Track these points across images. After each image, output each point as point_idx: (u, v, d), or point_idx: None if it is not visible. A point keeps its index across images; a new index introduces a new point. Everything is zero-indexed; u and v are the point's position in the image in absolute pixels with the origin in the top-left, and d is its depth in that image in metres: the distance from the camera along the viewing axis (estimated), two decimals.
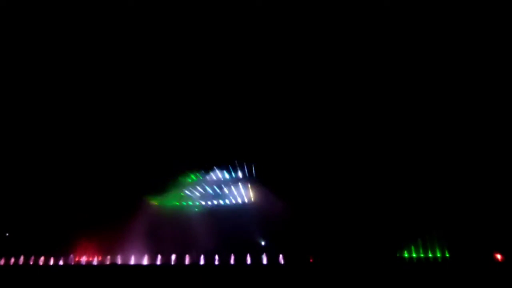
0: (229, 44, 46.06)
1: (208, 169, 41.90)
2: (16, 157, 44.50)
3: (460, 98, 40.29)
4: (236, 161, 41.42)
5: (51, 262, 36.81)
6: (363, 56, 44.32)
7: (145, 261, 35.27)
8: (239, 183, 40.85)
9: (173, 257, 35.19)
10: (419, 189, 37.75)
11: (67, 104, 46.09)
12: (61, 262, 36.74)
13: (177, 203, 41.93)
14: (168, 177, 40.54)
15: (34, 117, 45.83)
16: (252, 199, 39.58)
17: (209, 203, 41.64)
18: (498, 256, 31.52)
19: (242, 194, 41.10)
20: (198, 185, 42.04)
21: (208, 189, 41.75)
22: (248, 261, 33.86)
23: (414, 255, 34.91)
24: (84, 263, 36.03)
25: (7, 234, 41.75)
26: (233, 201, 41.36)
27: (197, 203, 41.49)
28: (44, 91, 45.82)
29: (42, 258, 37.09)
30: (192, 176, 42.46)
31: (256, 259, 33.78)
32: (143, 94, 46.50)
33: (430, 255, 34.72)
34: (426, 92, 42.45)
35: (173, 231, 37.07)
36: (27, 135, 45.14)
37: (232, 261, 33.99)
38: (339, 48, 44.53)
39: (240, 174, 41.14)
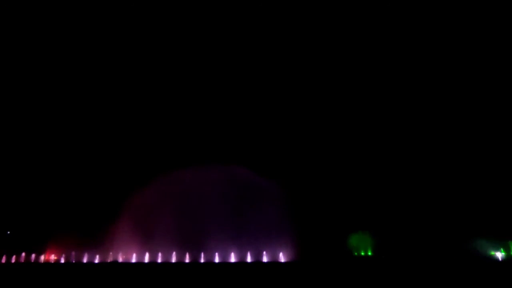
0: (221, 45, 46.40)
1: (208, 168, 41.84)
2: (15, 157, 44.67)
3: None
4: (237, 161, 41.42)
5: (52, 260, 36.98)
6: (362, 56, 44.44)
7: (146, 259, 35.38)
8: (239, 183, 40.82)
9: (174, 255, 35.31)
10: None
11: (59, 105, 46.50)
12: (62, 260, 36.90)
13: None
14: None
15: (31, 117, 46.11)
16: (253, 199, 39.57)
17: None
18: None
19: (242, 194, 41.01)
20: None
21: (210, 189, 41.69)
22: (249, 259, 34.06)
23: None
24: (85, 261, 36.09)
25: (8, 232, 41.81)
26: (233, 201, 41.24)
27: None
28: (38, 91, 46.14)
29: (42, 256, 37.27)
30: None
31: (257, 257, 33.97)
32: (133, 94, 47.00)
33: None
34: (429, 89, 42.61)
35: (173, 230, 37.07)
36: (26, 135, 45.37)
37: (232, 259, 34.17)
38: (339, 48, 44.66)
39: (241, 174, 41.11)
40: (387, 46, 43.82)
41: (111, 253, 36.08)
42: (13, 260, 36.53)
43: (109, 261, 35.60)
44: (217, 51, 46.96)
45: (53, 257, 37.47)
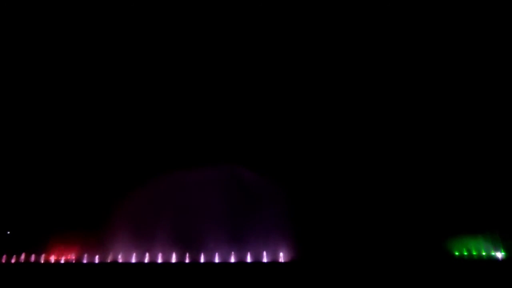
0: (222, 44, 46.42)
1: (208, 167, 41.82)
2: (15, 157, 44.72)
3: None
4: (237, 160, 41.40)
5: (52, 260, 36.99)
6: (363, 56, 44.47)
7: (146, 259, 35.40)
8: (239, 182, 40.82)
9: (174, 255, 35.33)
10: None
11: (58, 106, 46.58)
12: (62, 261, 36.92)
13: None
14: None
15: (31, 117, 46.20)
16: (253, 199, 39.58)
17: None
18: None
19: (242, 193, 40.99)
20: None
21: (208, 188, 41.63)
22: (248, 259, 34.06)
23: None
24: (85, 261, 36.10)
25: (8, 232, 41.86)
26: (233, 200, 41.20)
27: None
28: (37, 91, 46.22)
29: (43, 256, 37.27)
30: None
31: (256, 258, 33.97)
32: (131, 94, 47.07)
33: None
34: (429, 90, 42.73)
35: (173, 230, 37.09)
36: (26, 135, 45.43)
37: (232, 259, 34.17)
38: (340, 48, 44.68)
39: (240, 173, 41.10)
40: (387, 46, 43.87)
41: (111, 253, 36.10)
42: (13, 260, 36.51)
43: (109, 261, 35.62)
44: (213, 49, 46.98)
45: (53, 257, 37.47)
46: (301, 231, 35.55)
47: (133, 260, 35.35)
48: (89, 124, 46.60)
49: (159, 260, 35.05)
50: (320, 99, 45.22)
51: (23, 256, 36.99)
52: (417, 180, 38.85)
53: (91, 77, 47.06)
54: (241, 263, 33.26)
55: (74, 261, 36.62)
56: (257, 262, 33.25)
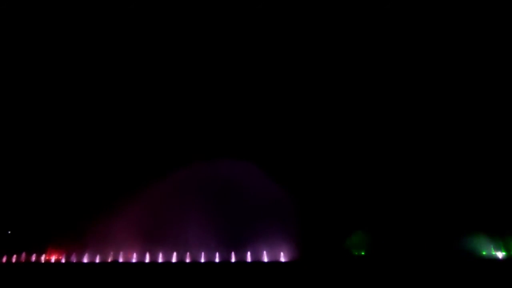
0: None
1: (208, 165, 41.81)
2: (16, 157, 44.76)
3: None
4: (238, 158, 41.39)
5: (53, 260, 37.05)
6: (364, 57, 44.46)
7: (147, 258, 35.43)
8: (240, 181, 40.78)
9: (174, 255, 35.35)
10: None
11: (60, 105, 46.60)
12: (63, 260, 36.96)
13: None
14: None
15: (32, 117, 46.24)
16: (253, 198, 39.56)
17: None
18: None
19: (242, 192, 40.97)
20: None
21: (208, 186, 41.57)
22: (248, 259, 34.07)
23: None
24: (86, 261, 36.12)
25: (9, 232, 41.90)
26: (233, 199, 41.19)
27: None
28: (36, 92, 46.25)
29: (43, 256, 37.32)
30: None
31: (256, 257, 33.98)
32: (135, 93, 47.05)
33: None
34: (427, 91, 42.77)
35: (173, 229, 37.10)
36: (27, 135, 45.46)
37: (232, 259, 34.19)
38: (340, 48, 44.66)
39: (241, 172, 41.04)
40: (387, 47, 43.86)
41: (111, 253, 36.11)
42: (13, 260, 36.55)
43: (109, 261, 35.63)
44: (210, 49, 46.97)
45: (54, 257, 37.51)
46: (302, 230, 35.55)
47: (133, 260, 35.39)
48: (88, 125, 46.66)
49: (160, 260, 35.08)
50: (320, 99, 45.28)
51: (23, 256, 37.02)
52: (415, 179, 39.04)
53: (84, 78, 47.14)
54: (241, 262, 33.27)
55: (74, 261, 36.62)
56: (257, 262, 33.25)
